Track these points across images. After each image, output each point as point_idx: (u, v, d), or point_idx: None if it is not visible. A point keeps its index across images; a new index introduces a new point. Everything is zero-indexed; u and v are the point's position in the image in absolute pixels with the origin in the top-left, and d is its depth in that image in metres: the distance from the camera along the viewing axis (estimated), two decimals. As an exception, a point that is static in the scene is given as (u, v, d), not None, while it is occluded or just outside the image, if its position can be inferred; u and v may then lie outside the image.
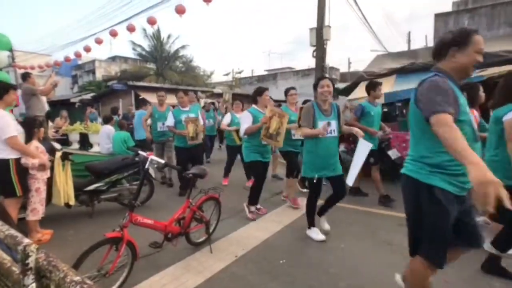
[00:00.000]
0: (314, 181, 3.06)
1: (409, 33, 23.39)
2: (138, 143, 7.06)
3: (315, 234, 3.20)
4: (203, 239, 3.02)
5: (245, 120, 3.70)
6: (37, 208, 3.07)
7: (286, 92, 4.53)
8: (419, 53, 7.75)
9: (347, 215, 3.95)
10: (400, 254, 2.84)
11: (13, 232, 1.24)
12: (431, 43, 14.47)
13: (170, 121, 4.90)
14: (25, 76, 5.13)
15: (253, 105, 3.89)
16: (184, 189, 3.59)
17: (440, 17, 11.21)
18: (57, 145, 4.34)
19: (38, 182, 3.08)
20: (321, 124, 2.98)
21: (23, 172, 2.93)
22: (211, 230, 3.04)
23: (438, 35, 11.23)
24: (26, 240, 1.15)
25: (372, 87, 4.42)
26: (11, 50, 6.12)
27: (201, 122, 5.01)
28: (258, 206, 4.03)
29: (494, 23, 10.07)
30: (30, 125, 3.14)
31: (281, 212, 4.15)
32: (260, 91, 3.89)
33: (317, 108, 3.08)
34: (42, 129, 3.28)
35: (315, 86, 3.20)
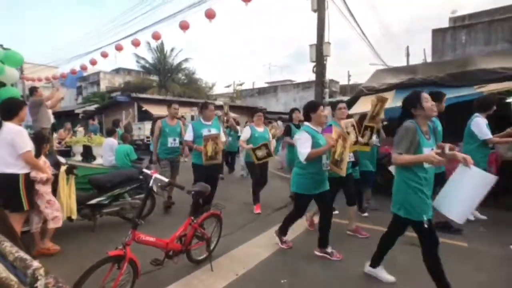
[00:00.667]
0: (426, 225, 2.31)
1: (407, 47, 23.71)
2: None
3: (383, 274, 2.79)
4: (204, 257, 3.02)
5: (304, 142, 3.03)
6: (58, 216, 3.17)
7: (334, 106, 4.09)
8: (418, 68, 7.85)
9: (344, 230, 3.93)
10: (406, 274, 2.83)
11: (22, 254, 1.28)
12: (429, 58, 14.67)
13: (189, 135, 4.36)
14: (32, 91, 5.29)
15: (306, 123, 3.25)
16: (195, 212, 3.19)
17: (437, 33, 11.42)
18: (62, 159, 4.41)
19: (48, 195, 3.15)
20: (427, 151, 2.27)
21: (31, 187, 2.99)
22: (212, 247, 3.05)
23: (436, 50, 11.43)
24: (36, 264, 1.19)
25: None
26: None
27: (223, 138, 4.64)
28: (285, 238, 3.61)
29: (492, 39, 10.24)
30: (39, 141, 3.21)
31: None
32: (314, 106, 3.21)
33: (419, 130, 2.36)
34: (47, 146, 3.36)
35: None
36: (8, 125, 2.85)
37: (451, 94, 5.40)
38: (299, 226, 4.09)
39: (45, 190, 3.14)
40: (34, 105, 4.94)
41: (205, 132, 4.25)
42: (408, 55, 23.32)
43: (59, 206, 3.23)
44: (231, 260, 3.14)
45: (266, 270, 2.94)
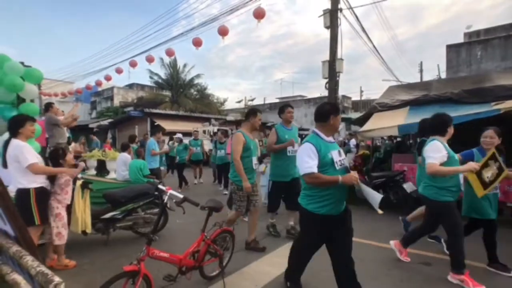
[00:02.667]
0: None
1: (421, 63, 23.69)
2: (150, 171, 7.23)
3: None
4: (216, 273, 2.98)
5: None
6: (61, 233, 3.16)
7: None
8: (432, 84, 7.81)
9: (358, 250, 3.80)
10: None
11: (44, 269, 1.30)
12: (444, 74, 14.55)
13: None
14: (47, 107, 5.42)
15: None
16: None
17: (452, 48, 11.38)
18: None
19: (59, 208, 3.17)
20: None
21: (43, 202, 3.04)
22: (224, 264, 3.01)
23: (450, 65, 11.36)
24: (57, 279, 1.20)
25: None
26: None
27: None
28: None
29: (508, 54, 10.10)
30: (55, 155, 3.30)
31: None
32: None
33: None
34: (70, 155, 3.43)
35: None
36: (12, 142, 2.95)
37: (467, 111, 5.32)
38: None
39: (60, 200, 3.18)
40: (50, 122, 5.08)
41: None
42: (421, 70, 23.25)
43: (65, 223, 3.23)
44: (243, 277, 3.08)
45: (279, 290, 2.86)
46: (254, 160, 3.71)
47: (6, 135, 3.21)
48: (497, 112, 4.96)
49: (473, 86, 6.18)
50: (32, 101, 4.71)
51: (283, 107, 4.28)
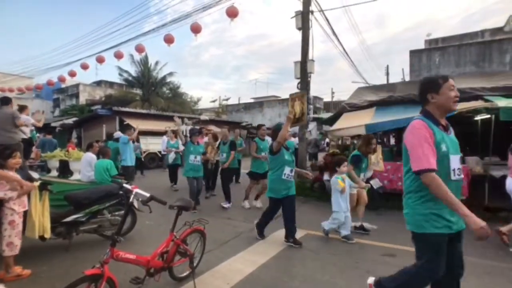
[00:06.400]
0: None
1: (387, 66, 24.92)
2: (123, 169, 6.97)
3: None
4: (187, 273, 2.93)
5: None
6: (14, 242, 2.89)
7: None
8: (396, 86, 8.25)
9: (330, 245, 3.95)
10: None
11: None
12: (407, 77, 15.45)
13: None
14: (7, 101, 5.13)
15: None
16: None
17: (414, 54, 12.10)
18: (34, 174, 4.20)
19: (13, 215, 2.92)
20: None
21: None
22: (195, 264, 2.96)
23: (413, 69, 12.07)
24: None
25: None
26: None
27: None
28: None
29: (461, 61, 10.98)
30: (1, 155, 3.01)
31: (266, 243, 4.10)
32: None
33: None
34: (13, 161, 3.03)
35: None
36: None
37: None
38: (282, 242, 4.06)
39: (18, 209, 2.94)
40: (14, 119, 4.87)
41: None
42: (388, 73, 24.45)
43: (20, 231, 2.97)
44: (214, 277, 3.05)
45: (249, 286, 2.87)
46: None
47: None
48: (451, 113, 5.34)
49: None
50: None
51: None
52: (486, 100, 5.45)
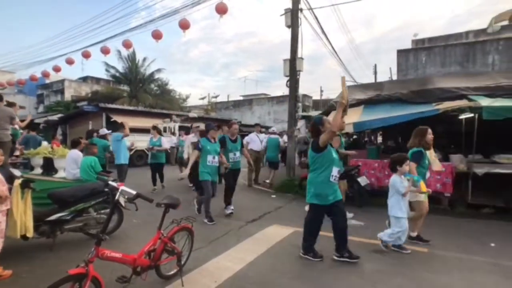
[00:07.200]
0: None
1: (375, 65, 25.30)
2: (116, 168, 6.83)
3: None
4: (174, 272, 2.90)
5: None
6: None
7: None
8: (384, 85, 8.36)
9: (317, 242, 3.97)
10: (373, 282, 2.90)
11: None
12: (395, 76, 15.72)
13: None
14: None
15: None
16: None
17: (401, 53, 12.31)
18: (16, 172, 4.06)
19: None
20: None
21: None
22: (183, 262, 2.93)
23: (400, 69, 12.28)
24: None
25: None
26: None
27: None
28: None
29: (446, 61, 11.25)
30: None
31: (254, 240, 4.11)
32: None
33: None
34: None
35: None
36: None
37: (413, 110, 5.80)
38: (270, 240, 4.08)
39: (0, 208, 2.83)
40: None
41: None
42: (375, 72, 24.83)
43: (3, 230, 2.87)
44: (202, 274, 3.03)
45: (238, 284, 2.87)
46: None
47: None
48: (437, 112, 5.47)
49: (418, 87, 6.75)
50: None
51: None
52: (470, 100, 5.60)
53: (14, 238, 3.10)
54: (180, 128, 13.67)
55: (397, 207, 3.57)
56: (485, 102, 5.21)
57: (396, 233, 3.56)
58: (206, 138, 5.08)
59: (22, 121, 6.38)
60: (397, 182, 3.59)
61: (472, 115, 5.54)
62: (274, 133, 8.99)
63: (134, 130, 12.82)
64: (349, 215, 4.54)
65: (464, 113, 5.84)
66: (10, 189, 3.04)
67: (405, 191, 3.54)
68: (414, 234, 3.97)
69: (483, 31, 13.35)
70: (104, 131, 7.92)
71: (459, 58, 10.93)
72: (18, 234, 3.05)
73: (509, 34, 11.39)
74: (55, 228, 3.55)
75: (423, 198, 3.82)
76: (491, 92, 5.94)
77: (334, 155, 3.36)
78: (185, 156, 6.18)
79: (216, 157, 5.02)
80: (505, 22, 12.52)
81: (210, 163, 4.94)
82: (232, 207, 5.45)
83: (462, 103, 5.56)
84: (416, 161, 3.81)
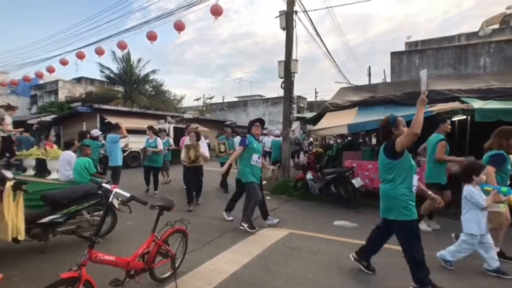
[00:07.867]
0: None
1: (369, 67, 25.51)
2: (112, 169, 6.77)
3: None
4: (168, 274, 2.88)
5: None
6: None
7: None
8: (378, 87, 8.45)
9: (312, 244, 3.99)
10: (367, 283, 2.92)
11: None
12: (389, 78, 15.86)
13: None
14: None
15: None
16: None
17: (395, 55, 12.46)
18: (8, 174, 4.00)
19: None
20: None
21: None
22: (177, 265, 2.92)
23: (394, 71, 12.42)
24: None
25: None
26: None
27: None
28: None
29: (439, 63, 11.41)
30: None
31: (249, 242, 4.10)
32: None
33: None
34: None
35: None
36: None
37: (407, 112, 5.85)
38: (266, 241, 4.08)
39: None
40: None
41: None
42: (370, 74, 25.03)
43: None
44: (197, 277, 3.02)
45: (232, 286, 2.87)
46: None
47: None
48: (430, 114, 5.54)
49: (412, 89, 6.82)
50: None
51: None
52: (463, 102, 5.67)
53: (5, 241, 3.06)
54: (160, 130, 13.52)
55: (475, 224, 3.03)
56: (477, 104, 5.28)
57: (462, 251, 3.13)
58: (252, 135, 4.64)
59: (16, 122, 6.24)
60: (476, 194, 3.06)
61: (464, 117, 5.61)
62: (278, 136, 10.14)
63: (128, 131, 12.62)
64: (354, 224, 4.57)
65: (457, 115, 5.91)
66: (1, 191, 3.00)
67: (486, 204, 3.00)
68: (497, 250, 3.25)
69: (474, 34, 13.57)
70: (96, 132, 7.84)
71: (451, 60, 11.09)
72: (9, 237, 3.00)
73: (500, 37, 11.59)
74: (47, 231, 3.51)
75: (502, 208, 3.19)
76: (483, 95, 6.03)
77: (412, 161, 2.81)
78: (182, 156, 6.02)
79: (261, 158, 4.63)
80: (496, 26, 12.74)
81: (254, 163, 4.54)
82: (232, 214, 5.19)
83: (455, 105, 5.63)
84: (496, 166, 3.25)
